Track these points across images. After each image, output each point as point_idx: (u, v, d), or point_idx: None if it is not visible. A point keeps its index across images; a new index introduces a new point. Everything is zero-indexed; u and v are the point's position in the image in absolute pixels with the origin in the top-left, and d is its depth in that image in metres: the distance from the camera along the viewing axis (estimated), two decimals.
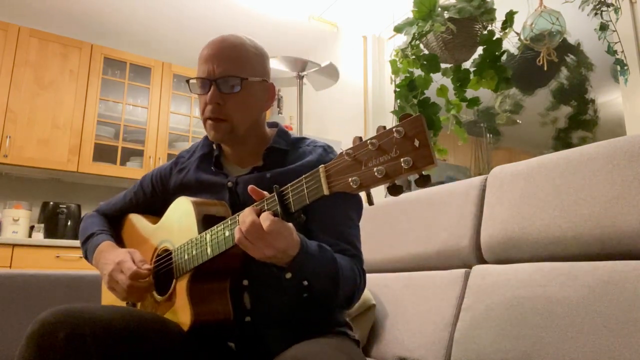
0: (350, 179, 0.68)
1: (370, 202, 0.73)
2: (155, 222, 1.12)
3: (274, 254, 0.80)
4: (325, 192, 0.72)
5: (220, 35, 1.05)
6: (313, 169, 1.00)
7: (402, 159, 0.63)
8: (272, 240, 0.78)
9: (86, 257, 1.17)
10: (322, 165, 0.73)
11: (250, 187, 0.82)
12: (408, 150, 0.63)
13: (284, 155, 1.07)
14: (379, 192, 2.42)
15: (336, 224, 1.00)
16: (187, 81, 1.06)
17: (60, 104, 3.31)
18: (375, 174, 0.65)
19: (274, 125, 1.16)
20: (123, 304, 1.12)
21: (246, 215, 0.79)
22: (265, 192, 0.82)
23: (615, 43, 1.74)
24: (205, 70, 1.02)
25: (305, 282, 0.87)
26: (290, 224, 0.81)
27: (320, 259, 0.88)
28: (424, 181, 0.65)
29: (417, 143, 0.62)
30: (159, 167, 1.21)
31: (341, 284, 0.91)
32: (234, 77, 1.00)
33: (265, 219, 0.77)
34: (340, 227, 1.01)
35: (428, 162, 0.62)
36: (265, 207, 0.80)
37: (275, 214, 0.78)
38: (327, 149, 1.08)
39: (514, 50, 2.06)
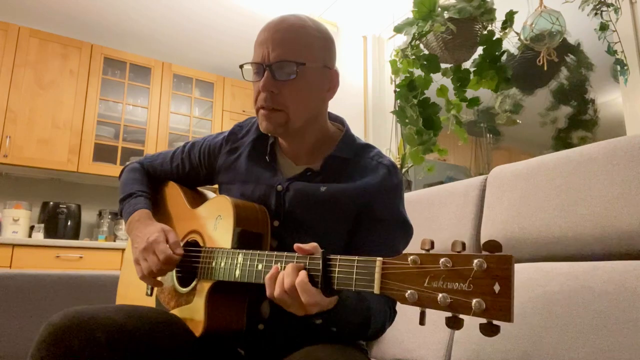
0: (407, 291, 0.61)
1: (422, 322, 0.63)
2: (193, 204, 1.08)
3: (304, 314, 0.75)
4: (376, 291, 0.65)
5: (279, 16, 0.95)
6: (372, 191, 0.95)
7: (474, 299, 0.55)
8: (306, 306, 0.72)
9: (120, 215, 1.13)
10: (380, 260, 0.66)
11: (296, 246, 0.75)
12: (484, 291, 0.55)
13: (345, 164, 0.99)
14: None
15: (381, 253, 0.96)
16: (241, 66, 0.95)
17: (60, 104, 3.31)
18: (438, 300, 0.58)
19: (338, 120, 1.08)
20: (140, 295, 1.10)
21: (288, 275, 0.73)
22: (312, 246, 0.74)
23: (615, 43, 1.74)
24: (260, 54, 0.92)
25: (334, 329, 0.84)
26: None
27: (355, 311, 0.83)
28: (491, 332, 0.55)
29: (497, 288, 0.54)
30: (209, 139, 1.14)
31: (370, 330, 0.88)
32: (290, 62, 0.90)
33: (304, 292, 0.70)
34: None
35: (504, 317, 0.53)
36: (307, 267, 0.74)
37: (314, 280, 0.72)
38: (391, 170, 0.99)
39: (514, 50, 2.06)
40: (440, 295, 0.58)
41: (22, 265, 2.85)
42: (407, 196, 1.70)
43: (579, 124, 2.23)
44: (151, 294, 1.07)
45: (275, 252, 0.81)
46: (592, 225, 1.08)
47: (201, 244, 0.99)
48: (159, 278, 0.98)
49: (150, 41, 3.73)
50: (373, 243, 0.94)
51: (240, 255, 0.86)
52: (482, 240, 1.33)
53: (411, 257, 0.62)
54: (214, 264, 0.91)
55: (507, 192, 1.30)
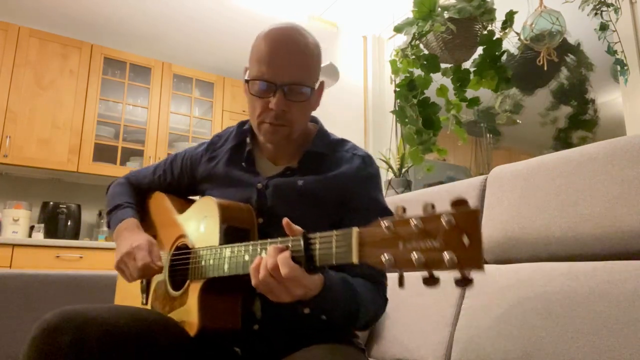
0: (383, 256, 0.62)
1: (400, 284, 0.63)
2: (180, 209, 1.10)
3: (290, 300, 0.75)
4: (355, 260, 0.66)
5: (280, 29, 0.95)
6: (348, 180, 0.99)
7: (445, 254, 0.56)
8: (290, 287, 0.73)
9: (108, 226, 1.17)
10: (357, 229, 0.67)
11: (284, 220, 0.76)
12: (455, 245, 0.56)
13: (321, 159, 1.03)
14: None
15: None
16: (247, 81, 0.97)
17: (60, 104, 3.31)
18: (413, 259, 0.59)
19: (314, 120, 1.11)
20: (137, 295, 1.11)
21: (270, 256, 0.74)
22: (298, 228, 0.76)
23: (615, 43, 1.74)
24: (270, 73, 0.93)
25: (324, 317, 0.85)
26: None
27: (343, 297, 0.84)
28: (465, 283, 0.56)
29: (466, 240, 0.55)
30: (191, 149, 1.18)
31: (360, 318, 0.89)
32: (304, 86, 0.94)
33: (284, 265, 0.72)
34: None
35: (476, 265, 0.55)
36: (290, 248, 0.75)
37: (297, 261, 0.73)
38: (366, 160, 1.03)
39: (514, 50, 2.06)
40: (414, 254, 0.59)
41: (22, 265, 2.84)
42: (406, 196, 1.70)
43: (579, 124, 2.23)
44: (146, 303, 1.08)
45: (260, 240, 0.82)
46: (592, 225, 1.08)
47: (190, 247, 1.00)
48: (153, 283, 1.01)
49: (150, 41, 3.73)
50: None
51: (227, 249, 0.88)
52: (483, 242, 1.33)
53: (385, 223, 0.63)
54: (203, 262, 0.92)
55: (507, 192, 1.30)
